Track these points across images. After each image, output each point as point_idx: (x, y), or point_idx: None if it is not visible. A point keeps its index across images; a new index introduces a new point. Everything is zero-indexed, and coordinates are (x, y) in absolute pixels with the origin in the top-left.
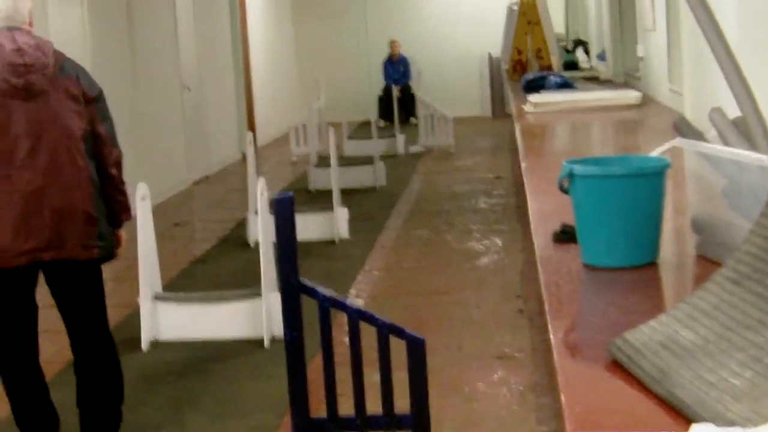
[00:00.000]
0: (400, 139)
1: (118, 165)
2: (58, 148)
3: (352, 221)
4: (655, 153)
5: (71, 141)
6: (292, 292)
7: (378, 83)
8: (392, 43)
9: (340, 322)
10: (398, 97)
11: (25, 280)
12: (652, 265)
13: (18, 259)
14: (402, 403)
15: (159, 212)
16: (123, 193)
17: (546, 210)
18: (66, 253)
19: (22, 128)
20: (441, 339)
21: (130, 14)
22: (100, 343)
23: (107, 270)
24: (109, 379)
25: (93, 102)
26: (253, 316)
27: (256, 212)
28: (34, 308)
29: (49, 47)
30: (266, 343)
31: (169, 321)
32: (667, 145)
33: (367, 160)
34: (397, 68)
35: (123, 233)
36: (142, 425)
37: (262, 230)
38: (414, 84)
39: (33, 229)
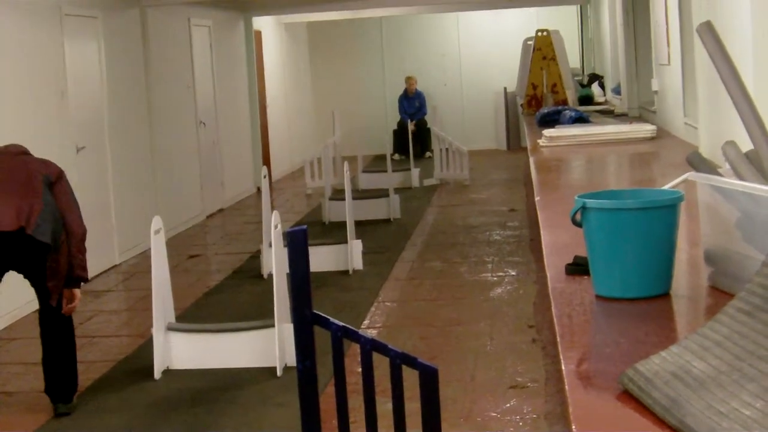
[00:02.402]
0: (415, 172)
1: None
2: None
3: (367, 253)
4: (668, 186)
5: None
6: (305, 322)
7: (394, 117)
8: (408, 80)
9: (354, 352)
10: (413, 131)
11: None
12: (664, 296)
13: None
14: None
15: (174, 244)
16: None
17: (559, 242)
18: None
19: None
20: (454, 369)
21: (147, 50)
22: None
23: (123, 301)
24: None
25: None
26: (266, 346)
27: (270, 244)
28: None
29: None
30: (279, 371)
31: (181, 350)
32: (680, 179)
33: (382, 193)
34: (413, 103)
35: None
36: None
37: (276, 262)
38: (429, 118)
39: None
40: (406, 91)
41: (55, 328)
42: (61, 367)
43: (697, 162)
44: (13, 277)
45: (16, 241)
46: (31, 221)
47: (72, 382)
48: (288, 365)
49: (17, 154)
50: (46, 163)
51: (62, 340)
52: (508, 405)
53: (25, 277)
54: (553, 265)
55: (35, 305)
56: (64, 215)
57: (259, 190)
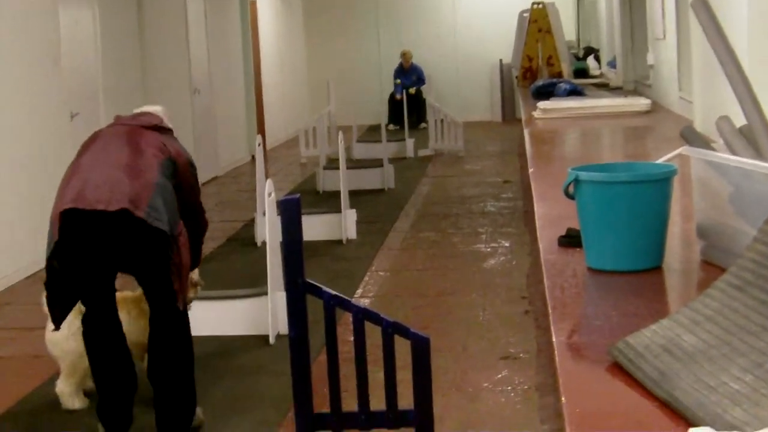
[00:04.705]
0: (410, 142)
1: None
2: None
3: (360, 223)
4: (661, 160)
5: None
6: (297, 291)
7: (389, 87)
8: (404, 54)
9: (346, 321)
10: (410, 95)
11: None
12: (656, 269)
13: None
14: (406, 402)
15: None
16: None
17: (552, 214)
18: None
19: None
20: (446, 340)
21: (141, 17)
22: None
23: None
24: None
25: None
26: (259, 314)
27: (264, 213)
28: None
29: None
30: (272, 339)
31: None
32: (673, 153)
33: (377, 163)
34: (409, 77)
35: None
36: (147, 420)
37: (269, 230)
38: (425, 88)
39: None
40: (401, 65)
41: (174, 333)
42: (179, 389)
43: (691, 136)
44: (7, 240)
45: (122, 228)
46: (140, 203)
47: (191, 406)
48: (281, 333)
49: (140, 126)
50: (174, 145)
51: (182, 347)
52: (500, 376)
53: (135, 276)
54: (546, 237)
55: (28, 270)
56: (187, 204)
57: (253, 158)
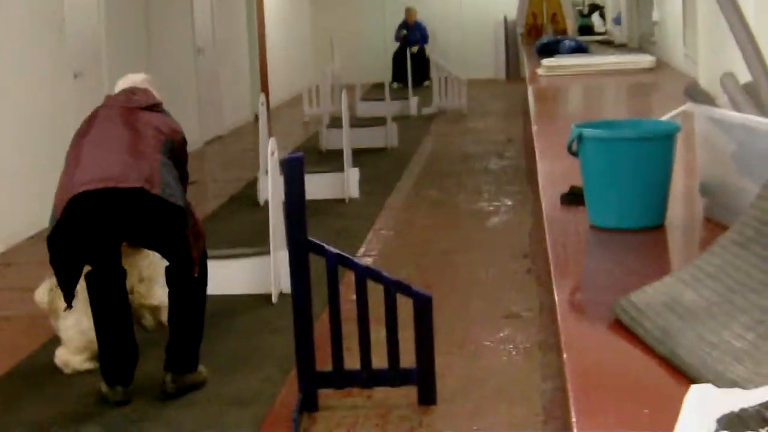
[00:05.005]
0: (413, 101)
1: None
2: None
3: (363, 181)
4: (665, 117)
5: None
6: (300, 249)
7: (393, 46)
8: (408, 11)
9: (348, 280)
10: (412, 54)
11: None
12: (659, 227)
13: None
14: (407, 361)
15: None
16: None
17: (555, 172)
18: None
19: None
20: (449, 298)
21: None
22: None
23: None
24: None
25: None
26: (261, 273)
27: (266, 172)
28: None
29: None
30: (274, 299)
31: None
32: (677, 110)
33: (380, 121)
34: (414, 35)
35: None
36: (150, 376)
37: (272, 189)
38: (428, 46)
39: None
40: (405, 22)
41: (189, 293)
42: (190, 333)
43: (695, 93)
44: (9, 200)
45: (138, 205)
46: (154, 181)
47: (197, 347)
48: (283, 292)
49: (136, 108)
50: (169, 124)
51: (195, 303)
52: (502, 334)
53: (152, 248)
54: (549, 195)
55: (32, 230)
56: (180, 175)
57: (256, 117)
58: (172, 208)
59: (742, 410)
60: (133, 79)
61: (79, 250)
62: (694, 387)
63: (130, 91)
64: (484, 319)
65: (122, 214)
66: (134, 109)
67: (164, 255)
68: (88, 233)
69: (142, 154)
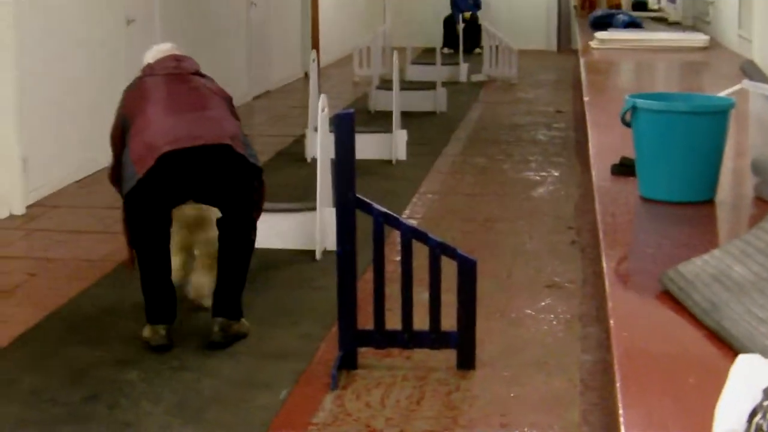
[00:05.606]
0: (464, 67)
1: None
2: None
3: (411, 144)
4: (722, 94)
5: None
6: (348, 206)
7: (446, 10)
8: None
9: (393, 241)
10: (465, 20)
11: None
12: (709, 202)
13: None
14: (448, 324)
15: None
16: None
17: (606, 143)
18: None
19: None
20: (491, 265)
21: None
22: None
23: None
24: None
25: None
26: (306, 229)
27: (315, 128)
28: None
29: None
30: (318, 255)
31: None
32: (734, 87)
33: (429, 86)
34: (466, 1)
35: None
36: (193, 327)
37: (320, 146)
38: (481, 14)
39: None
40: None
41: (242, 244)
42: (238, 281)
43: (752, 71)
44: (57, 144)
45: (219, 162)
46: (237, 140)
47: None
48: (327, 249)
49: (188, 73)
50: (221, 88)
51: (245, 254)
52: (543, 303)
53: (216, 205)
54: (599, 165)
55: (79, 174)
56: None
57: (306, 74)
58: (250, 168)
59: None
60: (163, 49)
61: (158, 207)
62: (741, 356)
63: (175, 58)
64: (525, 288)
65: (203, 172)
66: (186, 74)
67: (226, 211)
68: (169, 191)
69: (218, 114)
